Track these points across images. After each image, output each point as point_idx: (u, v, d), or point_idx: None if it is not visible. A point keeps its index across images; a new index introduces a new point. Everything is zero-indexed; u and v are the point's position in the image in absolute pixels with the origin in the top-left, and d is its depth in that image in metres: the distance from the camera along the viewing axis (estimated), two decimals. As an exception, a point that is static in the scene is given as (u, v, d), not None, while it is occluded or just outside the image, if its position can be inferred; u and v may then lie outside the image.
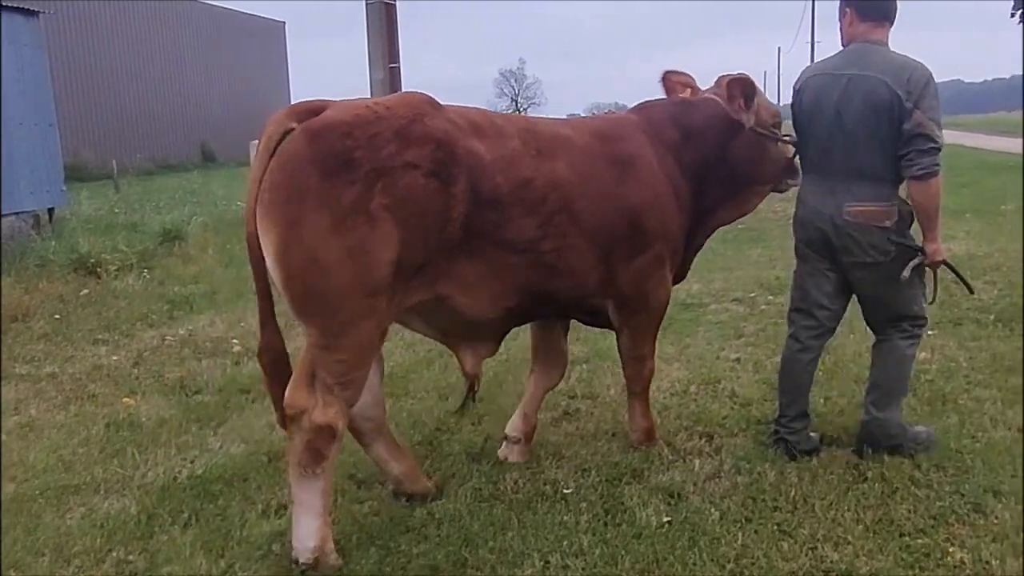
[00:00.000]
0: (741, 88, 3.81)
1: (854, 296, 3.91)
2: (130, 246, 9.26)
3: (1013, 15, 42.33)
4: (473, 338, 3.49)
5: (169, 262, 8.98)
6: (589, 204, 3.42)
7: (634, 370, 3.96)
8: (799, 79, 3.88)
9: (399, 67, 14.54)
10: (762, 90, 3.98)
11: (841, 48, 3.78)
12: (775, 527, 3.25)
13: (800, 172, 3.97)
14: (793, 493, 3.50)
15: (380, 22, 14.15)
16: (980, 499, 3.38)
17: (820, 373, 5.08)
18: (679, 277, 4.10)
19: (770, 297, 7.18)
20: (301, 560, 3.01)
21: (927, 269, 3.72)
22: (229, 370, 5.66)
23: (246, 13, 38.60)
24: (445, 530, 3.34)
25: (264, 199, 2.86)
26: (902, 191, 3.67)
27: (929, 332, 5.90)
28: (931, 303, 3.90)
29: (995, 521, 3.22)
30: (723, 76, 3.89)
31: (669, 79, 4.10)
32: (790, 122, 4.01)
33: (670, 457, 3.94)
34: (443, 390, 5.08)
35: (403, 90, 14.48)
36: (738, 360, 5.46)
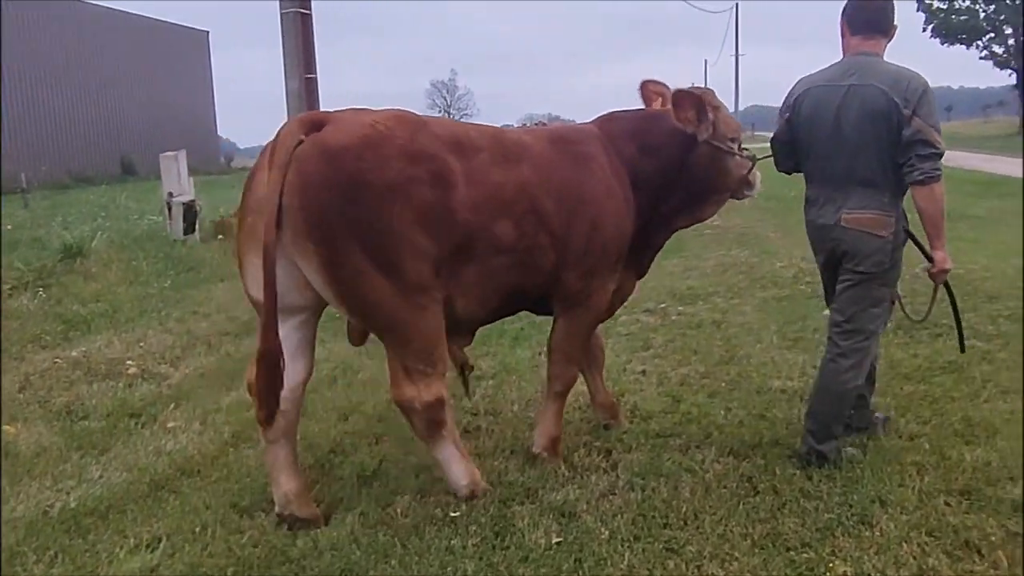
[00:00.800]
0: (690, 101, 3.86)
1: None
2: (27, 264, 8.85)
3: (925, 30, 44.00)
4: (455, 334, 3.68)
5: (68, 280, 8.60)
6: (552, 204, 3.62)
7: (560, 367, 4.01)
8: (795, 90, 3.92)
9: (316, 78, 14.35)
10: (724, 104, 4.06)
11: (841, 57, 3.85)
12: (663, 545, 3.21)
13: (756, 185, 4.16)
14: (685, 509, 3.47)
15: (295, 32, 13.87)
16: (867, 510, 3.39)
17: (723, 384, 5.13)
18: (639, 275, 4.29)
19: (681, 308, 7.22)
20: (460, 495, 3.59)
21: (896, 296, 3.84)
22: (120, 393, 5.42)
23: (169, 23, 37.69)
24: (326, 560, 3.20)
25: (298, 220, 3.08)
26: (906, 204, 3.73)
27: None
28: (921, 321, 4.04)
29: (880, 533, 3.23)
30: (679, 89, 3.92)
31: (646, 88, 4.26)
32: (772, 132, 4.15)
33: (566, 474, 3.88)
34: (344, 410, 4.93)
35: (319, 101, 14.24)
36: (644, 373, 5.44)
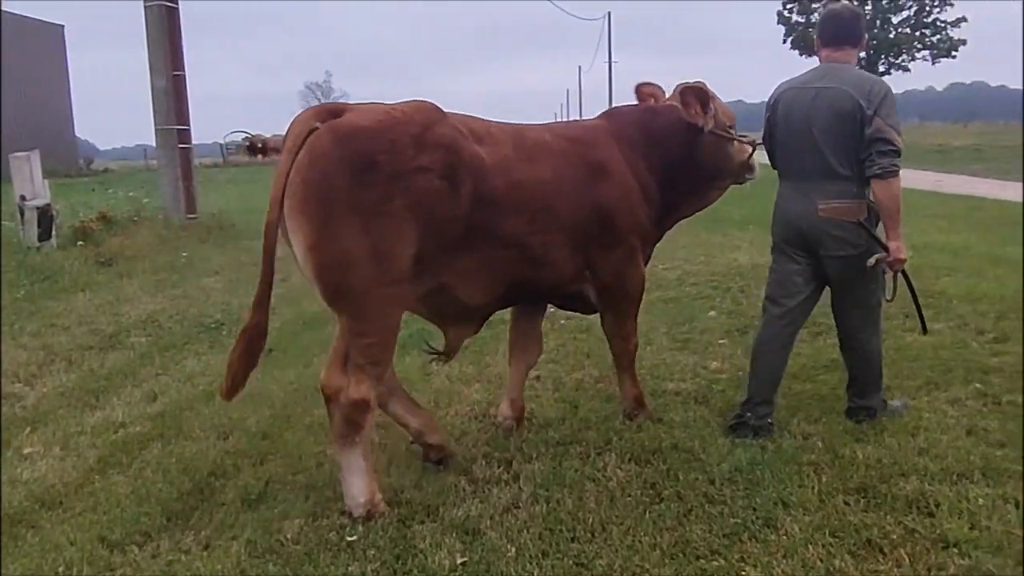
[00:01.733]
0: (695, 95, 4.22)
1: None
2: None
3: (785, 41, 46.16)
4: (464, 320, 3.87)
5: None
6: (566, 202, 3.82)
7: (620, 347, 4.39)
8: (773, 93, 4.30)
9: (184, 75, 13.67)
10: (717, 95, 4.38)
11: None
12: (572, 560, 3.09)
13: (756, 168, 4.52)
14: (591, 520, 3.37)
15: (161, 26, 13.22)
16: (771, 512, 3.38)
17: (601, 386, 5.09)
18: (644, 261, 4.44)
19: (568, 312, 7.14)
20: (355, 515, 3.41)
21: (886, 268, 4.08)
22: (-33, 417, 4.89)
23: (19, 15, 35.19)
24: (209, 596, 2.93)
25: (295, 195, 3.12)
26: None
27: (720, 341, 6.10)
28: (890, 300, 4.27)
29: (785, 536, 3.21)
30: (680, 84, 4.30)
31: (640, 90, 4.52)
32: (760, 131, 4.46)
33: (466, 488, 3.72)
34: (224, 428, 4.60)
35: (188, 100, 13.58)
36: (538, 378, 5.33)
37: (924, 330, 4.74)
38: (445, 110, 3.49)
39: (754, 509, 3.41)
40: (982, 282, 7.60)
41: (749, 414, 4.24)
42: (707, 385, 5.07)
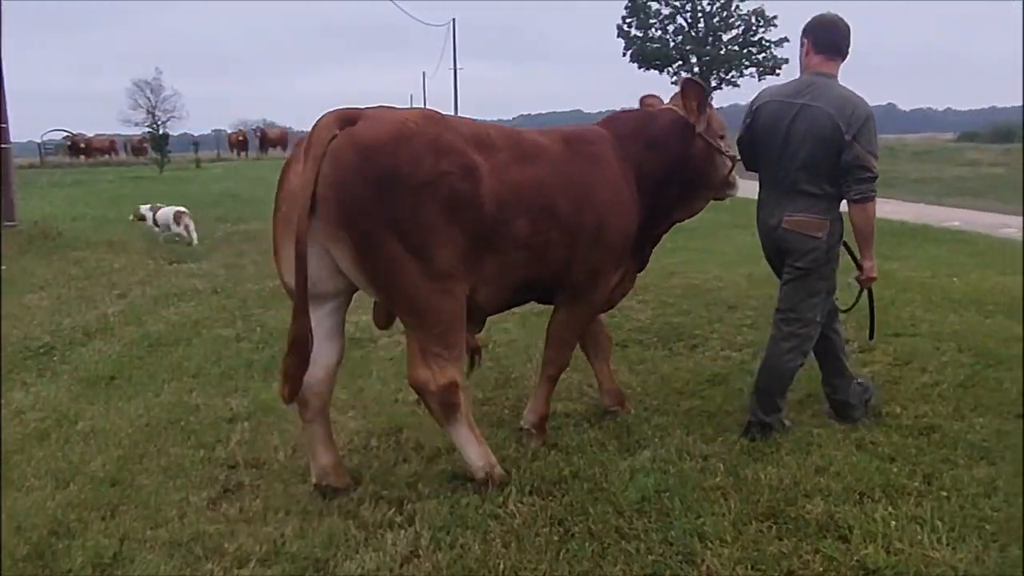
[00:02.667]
0: (695, 90, 4.24)
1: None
2: None
3: (625, 55, 47.68)
4: (472, 322, 3.85)
5: None
6: (564, 202, 3.84)
7: (556, 351, 4.31)
8: (756, 101, 4.33)
9: (1, 72, 12.36)
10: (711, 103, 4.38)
11: (799, 75, 4.27)
12: (489, 617, 2.80)
13: (737, 185, 4.49)
14: (502, 567, 3.09)
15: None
16: (688, 546, 3.21)
17: (506, 411, 4.84)
18: (640, 267, 4.55)
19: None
20: (477, 478, 3.70)
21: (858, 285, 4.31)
22: None
23: None
24: None
25: (331, 211, 3.29)
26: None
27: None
28: (846, 312, 4.52)
29: (707, 571, 3.06)
30: (688, 78, 4.36)
31: (643, 102, 4.64)
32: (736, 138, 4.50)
33: (357, 536, 3.35)
34: (63, 474, 4.00)
35: (5, 97, 12.36)
36: (418, 402, 4.99)
37: (871, 337, 4.91)
38: (445, 115, 3.69)
39: (670, 543, 3.24)
40: (840, 292, 7.87)
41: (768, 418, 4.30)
42: (595, 405, 4.89)
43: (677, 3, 46.82)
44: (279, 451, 4.25)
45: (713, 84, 45.85)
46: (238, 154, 44.92)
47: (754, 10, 46.47)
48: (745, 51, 46.97)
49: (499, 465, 3.78)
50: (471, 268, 3.56)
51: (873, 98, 4.52)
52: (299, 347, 3.44)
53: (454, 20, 65.59)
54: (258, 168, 26.46)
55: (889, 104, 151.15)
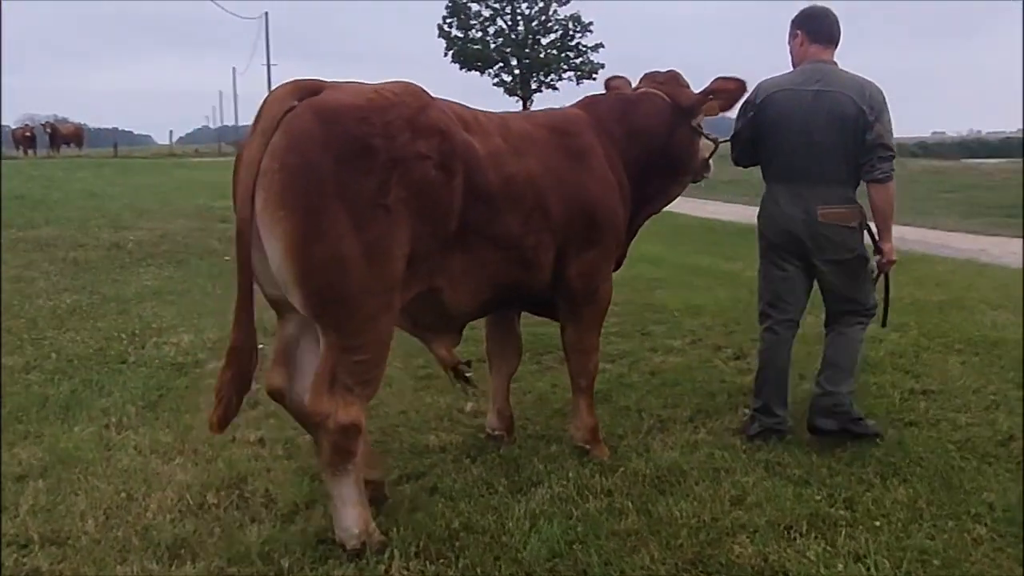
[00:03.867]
0: (679, 82, 4.14)
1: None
2: None
3: (446, 55, 47.35)
4: (442, 331, 3.54)
5: None
6: (555, 198, 3.51)
7: (579, 364, 3.97)
8: (758, 93, 4.13)
9: None
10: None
11: (792, 67, 4.19)
12: None
13: (712, 167, 4.28)
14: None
15: None
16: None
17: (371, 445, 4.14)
18: (618, 264, 4.14)
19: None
20: (349, 547, 3.01)
21: (876, 269, 4.17)
22: None
23: None
24: None
25: (271, 185, 2.68)
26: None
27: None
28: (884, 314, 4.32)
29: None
30: (654, 72, 4.20)
31: (609, 84, 4.33)
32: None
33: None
34: None
35: None
36: (262, 441, 4.20)
37: (884, 324, 4.52)
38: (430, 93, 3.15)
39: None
40: (694, 294, 7.71)
41: (771, 420, 4.16)
42: (473, 434, 4.30)
43: (497, 5, 47.05)
44: (87, 519, 3.34)
45: (533, 87, 46.45)
46: (25, 152, 40.76)
47: (571, 16, 47.52)
48: (563, 55, 47.87)
49: (377, 534, 3.10)
50: (433, 269, 3.12)
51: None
52: (239, 361, 2.91)
53: (267, 14, 62.47)
54: (49, 167, 23.82)
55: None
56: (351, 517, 3.02)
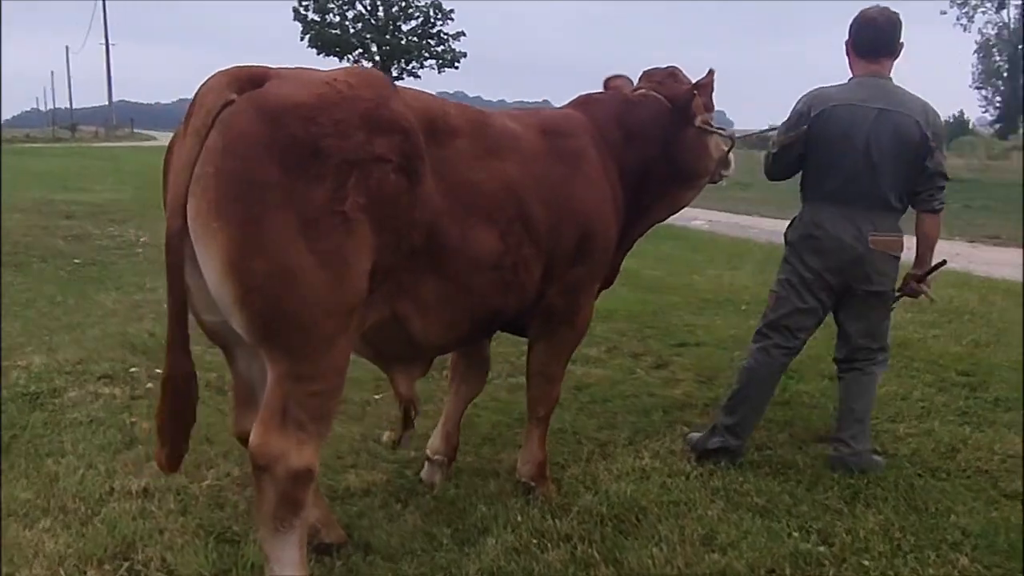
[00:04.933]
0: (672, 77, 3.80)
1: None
2: None
3: (303, 39, 45.83)
4: (409, 362, 3.13)
5: None
6: (541, 210, 3.11)
7: (541, 391, 3.60)
8: (814, 106, 3.78)
9: None
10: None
11: (851, 76, 3.85)
12: None
13: (732, 164, 3.91)
14: None
15: None
16: None
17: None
18: (608, 282, 3.78)
19: (157, 368, 5.25)
20: None
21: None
22: None
23: None
24: None
25: (206, 192, 2.27)
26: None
27: (375, 397, 4.87)
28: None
29: None
30: (652, 70, 3.82)
31: (610, 84, 3.89)
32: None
33: None
34: None
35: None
36: (147, 492, 3.54)
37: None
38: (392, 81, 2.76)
39: None
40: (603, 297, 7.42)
41: (731, 438, 3.90)
42: (398, 471, 3.81)
43: (355, -12, 45.83)
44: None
45: (395, 74, 45.52)
46: None
47: (431, 3, 46.84)
48: (425, 43, 47.18)
49: None
50: (396, 293, 2.71)
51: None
52: (176, 390, 2.49)
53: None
54: None
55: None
56: None
